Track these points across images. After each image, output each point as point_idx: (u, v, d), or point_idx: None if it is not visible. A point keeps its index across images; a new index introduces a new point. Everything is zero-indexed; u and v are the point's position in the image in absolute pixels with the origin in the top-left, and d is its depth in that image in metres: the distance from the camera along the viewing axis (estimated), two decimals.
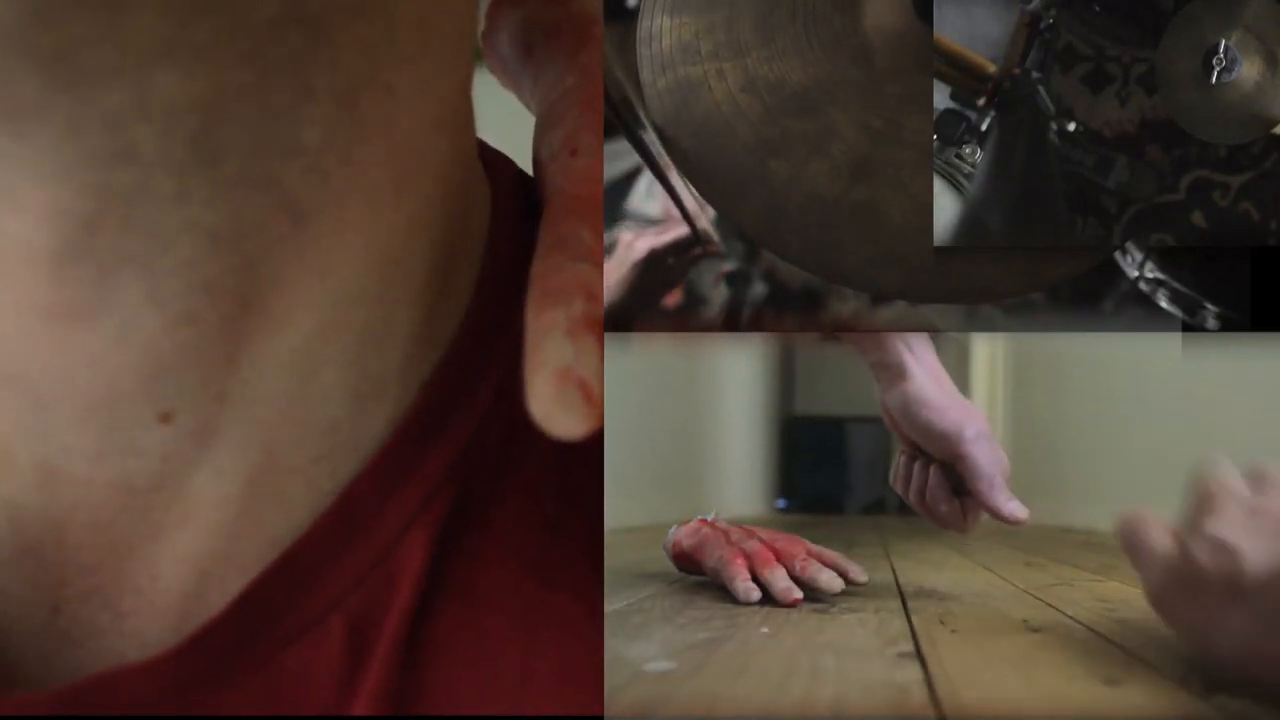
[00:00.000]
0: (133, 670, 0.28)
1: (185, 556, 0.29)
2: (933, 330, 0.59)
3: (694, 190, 0.51)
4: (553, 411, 0.28)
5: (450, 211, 0.32)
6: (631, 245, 0.59)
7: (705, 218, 0.57)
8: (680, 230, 0.58)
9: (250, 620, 0.29)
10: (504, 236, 0.34)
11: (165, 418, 0.28)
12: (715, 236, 0.57)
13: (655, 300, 0.59)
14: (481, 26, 0.39)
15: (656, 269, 0.59)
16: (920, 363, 0.58)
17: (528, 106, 0.38)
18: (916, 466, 0.59)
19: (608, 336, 0.30)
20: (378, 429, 0.30)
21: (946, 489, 0.58)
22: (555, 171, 0.34)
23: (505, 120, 0.39)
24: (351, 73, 0.27)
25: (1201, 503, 0.37)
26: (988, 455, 0.56)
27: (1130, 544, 0.39)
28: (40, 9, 0.22)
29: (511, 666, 0.30)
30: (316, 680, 0.29)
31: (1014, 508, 0.56)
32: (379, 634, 0.30)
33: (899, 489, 0.61)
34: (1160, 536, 0.38)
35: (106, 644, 0.29)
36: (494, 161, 0.36)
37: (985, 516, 0.58)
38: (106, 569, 0.29)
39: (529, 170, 0.36)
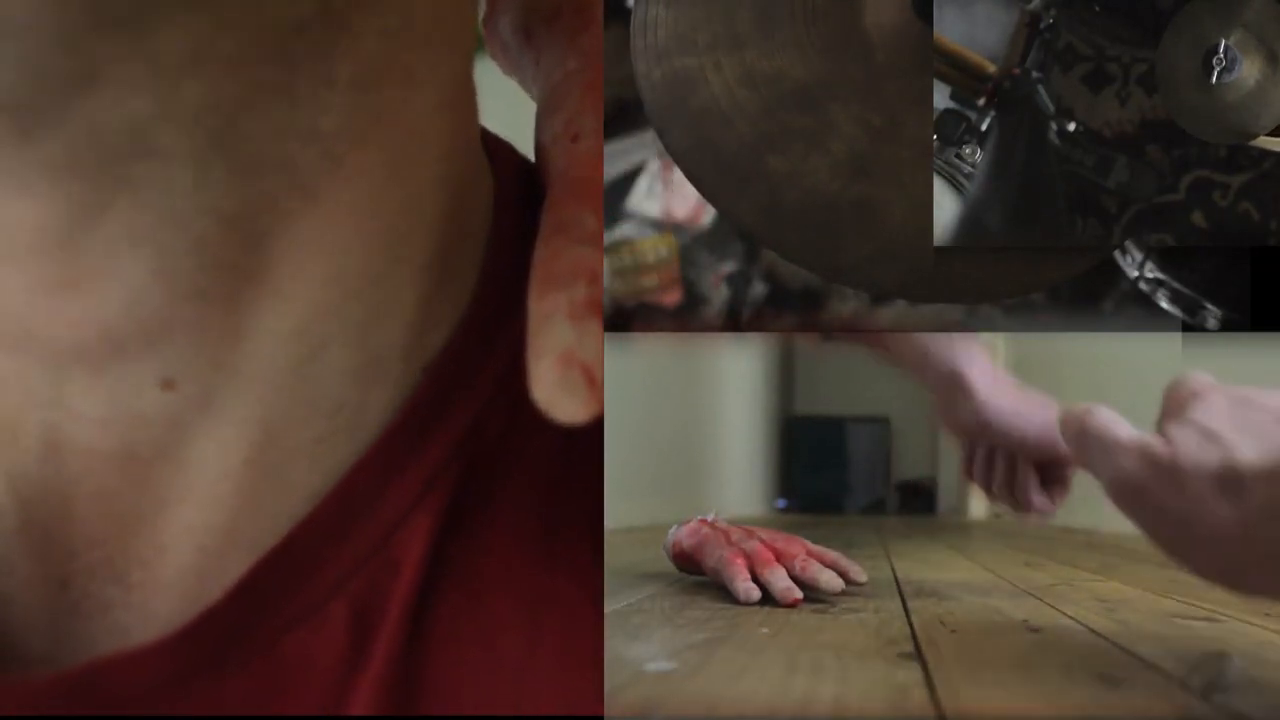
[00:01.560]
0: (133, 656, 0.28)
1: (188, 531, 0.29)
2: (932, 330, 0.59)
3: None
4: (555, 396, 0.28)
5: (452, 195, 0.32)
6: None
7: None
8: None
9: (252, 605, 0.29)
10: (507, 223, 0.34)
11: (168, 384, 0.28)
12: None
13: None
14: (483, 12, 0.39)
15: None
16: (978, 371, 0.58)
17: (529, 91, 0.38)
18: (999, 461, 0.60)
19: (607, 337, 0.30)
20: (380, 412, 0.30)
21: (1037, 481, 0.59)
22: (557, 156, 0.34)
23: (507, 109, 0.39)
24: (372, 59, 0.27)
25: (1184, 396, 0.36)
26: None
27: (1083, 436, 0.38)
28: (66, 37, 0.23)
29: (513, 651, 0.30)
30: (318, 666, 0.29)
31: None
32: (381, 619, 0.30)
33: (980, 482, 0.61)
34: (1124, 426, 0.37)
35: (114, 617, 0.29)
36: (497, 150, 0.36)
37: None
38: (114, 542, 0.29)
39: (531, 156, 0.36)
